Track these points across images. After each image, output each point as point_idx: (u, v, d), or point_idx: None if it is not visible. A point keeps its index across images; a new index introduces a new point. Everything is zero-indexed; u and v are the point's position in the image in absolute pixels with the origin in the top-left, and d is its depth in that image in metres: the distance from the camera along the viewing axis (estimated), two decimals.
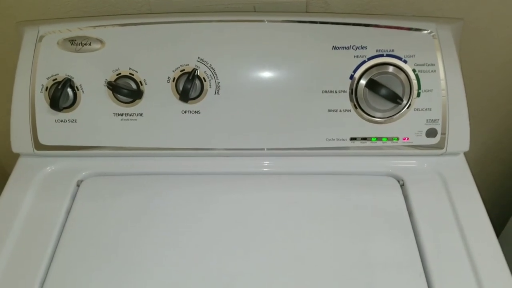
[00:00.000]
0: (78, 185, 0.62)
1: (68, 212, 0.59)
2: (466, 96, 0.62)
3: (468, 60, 0.75)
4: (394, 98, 0.60)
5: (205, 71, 0.61)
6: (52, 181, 0.63)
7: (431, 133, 0.62)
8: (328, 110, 0.62)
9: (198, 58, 0.61)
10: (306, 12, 0.69)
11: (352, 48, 0.61)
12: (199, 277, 0.52)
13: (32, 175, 0.63)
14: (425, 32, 0.61)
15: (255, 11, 0.69)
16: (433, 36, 0.61)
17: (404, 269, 0.53)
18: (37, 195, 0.61)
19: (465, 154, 0.65)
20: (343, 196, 0.60)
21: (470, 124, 0.62)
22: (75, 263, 0.54)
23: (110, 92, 0.61)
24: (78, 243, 0.56)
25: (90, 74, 0.61)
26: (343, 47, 0.61)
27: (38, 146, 0.63)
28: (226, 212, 0.58)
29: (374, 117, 0.62)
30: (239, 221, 0.58)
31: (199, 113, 0.62)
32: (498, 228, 0.57)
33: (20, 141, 0.63)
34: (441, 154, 0.64)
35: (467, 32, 0.71)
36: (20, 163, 0.65)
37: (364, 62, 0.61)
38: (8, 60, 0.76)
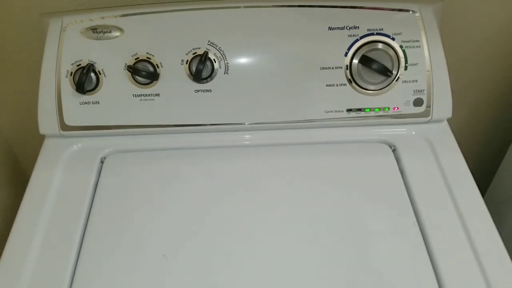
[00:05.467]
0: (102, 162, 0.68)
1: (96, 186, 0.65)
2: (448, 72, 0.69)
3: (447, 40, 0.82)
4: (385, 72, 0.66)
5: (215, 53, 0.67)
6: (78, 158, 0.68)
7: (418, 102, 0.69)
8: (326, 85, 0.68)
9: (209, 41, 0.66)
10: None
11: (346, 28, 0.67)
12: (225, 245, 0.58)
13: (59, 154, 0.68)
14: (410, 12, 0.68)
15: None
16: (417, 16, 0.68)
17: (400, 218, 0.60)
18: (65, 171, 0.66)
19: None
20: (342, 161, 0.67)
21: (452, 93, 0.69)
22: (107, 231, 0.59)
23: (130, 75, 0.67)
24: (108, 213, 0.61)
25: (111, 59, 0.66)
26: (338, 28, 0.67)
27: (64, 127, 0.68)
28: (237, 179, 0.65)
29: (367, 89, 0.68)
30: (245, 186, 0.64)
31: (211, 91, 0.68)
32: (481, 192, 0.65)
33: (47, 123, 0.68)
34: (427, 122, 0.70)
35: (447, 13, 0.79)
36: (47, 144, 0.70)
37: (357, 40, 0.67)
38: (25, 51, 0.81)
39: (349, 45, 0.67)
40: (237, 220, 0.60)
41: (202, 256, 0.57)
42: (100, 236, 0.59)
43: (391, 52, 0.67)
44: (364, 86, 0.68)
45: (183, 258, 0.56)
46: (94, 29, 0.66)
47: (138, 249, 0.57)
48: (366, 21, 0.67)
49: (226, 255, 0.57)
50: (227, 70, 0.67)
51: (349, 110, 0.69)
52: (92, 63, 0.66)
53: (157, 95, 0.68)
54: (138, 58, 0.66)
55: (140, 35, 0.67)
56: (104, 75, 0.67)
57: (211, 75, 0.67)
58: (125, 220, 0.61)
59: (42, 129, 0.69)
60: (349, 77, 0.68)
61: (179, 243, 0.58)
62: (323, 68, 0.68)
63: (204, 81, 0.67)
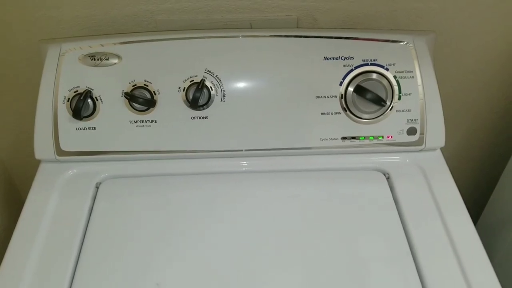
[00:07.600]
0: (97, 187, 0.68)
1: (90, 211, 0.65)
2: (441, 100, 0.70)
3: (441, 69, 0.84)
4: (379, 101, 0.67)
5: (211, 81, 0.68)
6: (73, 183, 0.68)
7: (411, 131, 0.70)
8: (321, 113, 0.69)
9: (206, 69, 0.67)
10: (297, 27, 0.77)
11: (341, 59, 0.68)
12: (219, 274, 0.58)
13: (54, 179, 0.68)
14: (403, 43, 0.70)
15: (251, 28, 0.77)
16: (410, 46, 0.70)
17: (392, 248, 0.60)
18: (60, 196, 0.66)
19: (442, 152, 0.73)
20: (336, 189, 0.67)
21: (445, 122, 0.70)
22: (101, 257, 0.59)
23: (127, 101, 0.67)
24: (102, 239, 0.61)
25: (108, 86, 0.67)
26: (333, 58, 0.68)
27: (60, 152, 0.68)
28: (233, 206, 0.65)
29: (361, 118, 0.69)
30: (241, 213, 0.64)
31: (207, 118, 0.68)
32: (473, 218, 0.65)
33: (42, 148, 0.68)
34: (421, 150, 0.71)
35: (439, 43, 0.80)
36: (42, 169, 0.70)
37: (351, 70, 0.68)
38: (24, 76, 0.82)
39: (344, 75, 0.68)
40: (232, 247, 0.60)
41: (196, 285, 0.56)
42: (94, 263, 0.59)
43: (385, 82, 0.68)
44: (358, 115, 0.69)
45: (176, 287, 0.56)
46: (92, 56, 0.67)
47: (132, 276, 0.57)
48: (361, 51, 0.69)
49: (220, 284, 0.57)
50: (224, 98, 0.68)
51: (343, 138, 0.70)
52: (89, 89, 0.67)
53: (154, 121, 0.68)
54: (135, 85, 0.67)
55: (138, 62, 0.67)
56: (101, 101, 0.67)
57: (207, 103, 0.68)
58: (119, 246, 0.60)
59: (38, 154, 0.69)
60: (344, 106, 0.69)
61: (173, 271, 0.58)
62: (319, 97, 0.69)
63: (201, 108, 0.68)
